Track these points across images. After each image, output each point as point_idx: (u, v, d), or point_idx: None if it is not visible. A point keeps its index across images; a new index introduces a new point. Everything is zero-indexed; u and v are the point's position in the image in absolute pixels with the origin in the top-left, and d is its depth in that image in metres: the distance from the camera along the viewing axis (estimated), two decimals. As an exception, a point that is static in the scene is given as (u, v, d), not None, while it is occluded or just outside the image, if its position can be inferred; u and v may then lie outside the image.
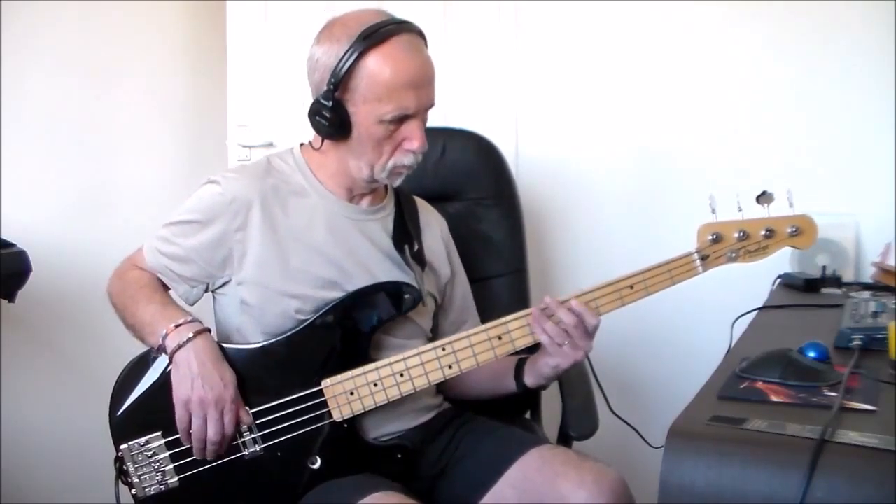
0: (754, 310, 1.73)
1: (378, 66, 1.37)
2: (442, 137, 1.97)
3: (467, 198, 1.94)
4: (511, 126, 2.40)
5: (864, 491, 0.89)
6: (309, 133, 1.51)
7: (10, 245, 1.76)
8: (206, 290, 1.49)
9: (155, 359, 1.41)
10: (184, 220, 1.46)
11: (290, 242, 1.45)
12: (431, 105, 1.44)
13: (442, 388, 1.58)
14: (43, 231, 2.16)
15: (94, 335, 2.22)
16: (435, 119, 2.32)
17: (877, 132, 2.06)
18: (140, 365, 1.42)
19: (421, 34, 1.45)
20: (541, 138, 2.40)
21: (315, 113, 1.42)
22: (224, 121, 2.51)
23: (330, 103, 1.39)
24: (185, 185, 2.43)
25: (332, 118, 1.40)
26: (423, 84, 1.41)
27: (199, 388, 1.34)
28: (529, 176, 2.33)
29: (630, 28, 2.29)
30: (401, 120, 1.41)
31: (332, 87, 1.39)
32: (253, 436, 1.39)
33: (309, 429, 1.39)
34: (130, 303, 1.46)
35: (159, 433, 1.39)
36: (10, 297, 1.75)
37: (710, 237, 1.41)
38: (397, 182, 1.50)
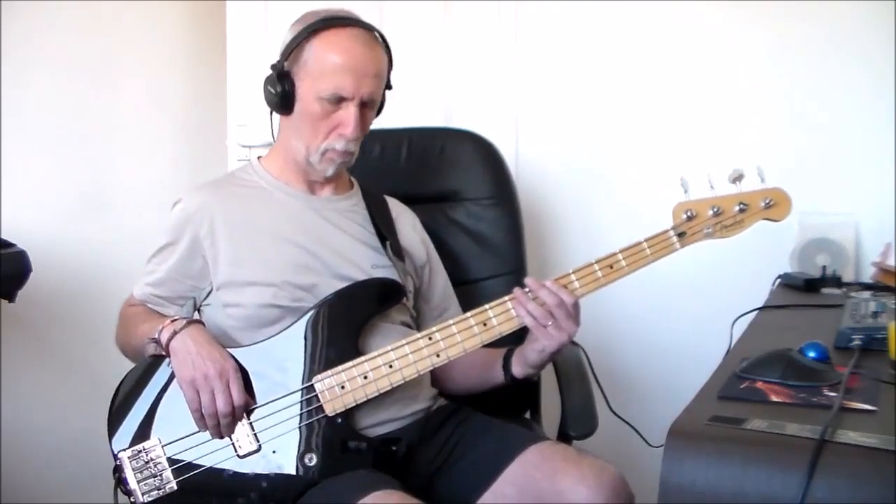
0: (754, 310, 1.72)
1: (325, 45, 1.48)
2: (442, 137, 1.98)
3: (467, 198, 1.94)
4: (511, 126, 2.40)
5: (865, 491, 0.89)
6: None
7: (10, 245, 1.76)
8: (195, 307, 1.54)
9: (153, 370, 1.43)
10: (160, 247, 1.55)
11: (258, 237, 1.51)
12: (371, 98, 1.50)
13: (435, 383, 1.60)
14: (43, 231, 2.15)
15: (94, 335, 2.22)
16: (435, 119, 2.32)
17: (877, 132, 2.06)
18: (137, 374, 1.44)
19: (385, 42, 1.53)
20: (541, 138, 2.40)
21: (267, 82, 1.51)
22: (224, 121, 2.51)
23: (280, 71, 1.48)
24: (185, 186, 2.43)
25: (279, 89, 1.49)
26: (363, 73, 1.47)
27: (201, 365, 1.37)
28: (529, 176, 2.34)
29: (630, 28, 2.29)
30: (338, 102, 1.48)
31: (284, 57, 1.48)
32: (248, 436, 1.40)
33: (303, 425, 1.40)
34: (131, 329, 1.53)
35: (157, 439, 1.39)
36: (10, 297, 1.75)
37: (685, 215, 1.45)
38: (331, 171, 1.55)
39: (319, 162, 1.53)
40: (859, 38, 2.08)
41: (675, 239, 1.45)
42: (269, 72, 1.52)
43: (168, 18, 2.54)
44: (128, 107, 2.45)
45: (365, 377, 1.41)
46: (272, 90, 1.50)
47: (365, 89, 1.48)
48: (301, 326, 1.45)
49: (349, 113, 1.48)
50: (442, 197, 1.92)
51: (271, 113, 1.56)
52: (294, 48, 1.48)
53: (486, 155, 1.97)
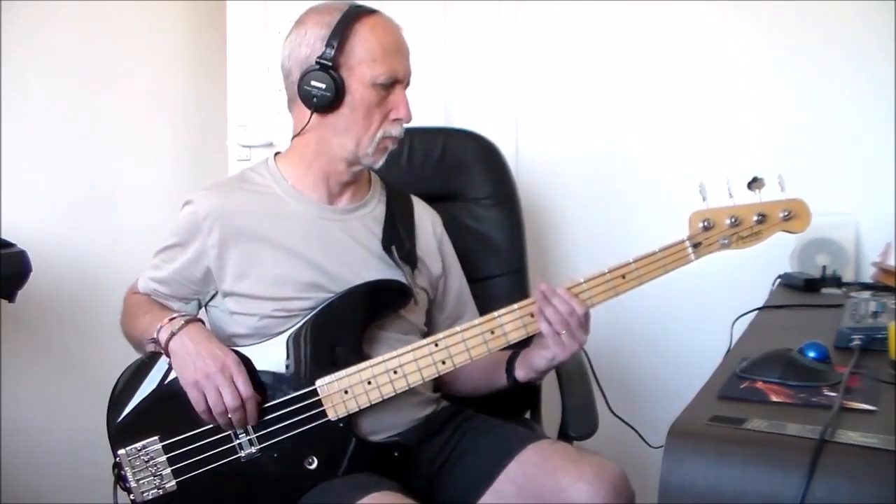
0: (754, 310, 1.72)
1: (370, 30, 1.44)
2: (442, 137, 1.98)
3: (467, 198, 1.94)
4: (511, 126, 2.40)
5: (865, 491, 0.89)
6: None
7: (10, 245, 1.76)
8: (200, 306, 1.53)
9: (151, 364, 1.42)
10: (167, 245, 1.52)
11: (269, 250, 1.47)
12: (410, 78, 1.49)
13: (438, 385, 1.59)
14: (43, 231, 2.15)
15: (94, 335, 2.23)
16: (435, 119, 2.31)
17: (877, 132, 2.06)
18: (137, 371, 1.44)
19: None
20: (541, 138, 2.40)
21: (307, 82, 1.43)
22: (224, 121, 2.51)
23: (330, 62, 1.41)
24: (185, 185, 2.44)
25: (327, 83, 1.42)
26: (406, 54, 1.48)
27: (202, 364, 1.36)
28: (529, 176, 2.34)
29: (630, 28, 2.29)
30: (389, 87, 1.45)
31: (331, 47, 1.42)
32: (249, 437, 1.39)
33: (305, 429, 1.40)
34: (132, 319, 1.52)
35: (156, 437, 1.39)
36: (10, 297, 1.75)
37: (702, 224, 1.41)
38: (381, 161, 1.50)
39: (374, 153, 1.47)
40: (859, 38, 2.08)
41: (690, 249, 1.40)
42: (295, 73, 1.45)
43: (168, 18, 2.54)
44: (128, 107, 2.45)
45: (369, 382, 1.40)
46: (320, 85, 1.42)
47: (409, 69, 1.48)
48: (305, 328, 1.43)
49: (400, 96, 1.46)
50: (443, 197, 1.91)
51: (311, 112, 1.45)
52: (338, 39, 1.42)
53: (487, 155, 1.97)
